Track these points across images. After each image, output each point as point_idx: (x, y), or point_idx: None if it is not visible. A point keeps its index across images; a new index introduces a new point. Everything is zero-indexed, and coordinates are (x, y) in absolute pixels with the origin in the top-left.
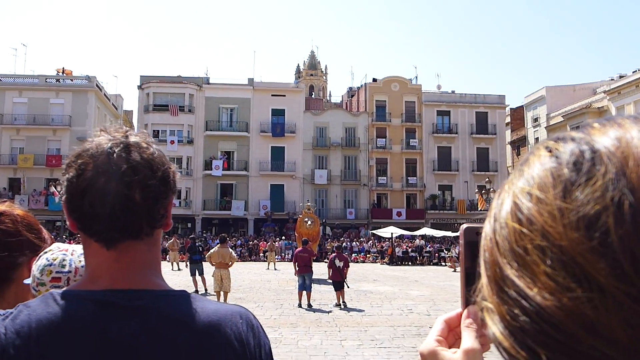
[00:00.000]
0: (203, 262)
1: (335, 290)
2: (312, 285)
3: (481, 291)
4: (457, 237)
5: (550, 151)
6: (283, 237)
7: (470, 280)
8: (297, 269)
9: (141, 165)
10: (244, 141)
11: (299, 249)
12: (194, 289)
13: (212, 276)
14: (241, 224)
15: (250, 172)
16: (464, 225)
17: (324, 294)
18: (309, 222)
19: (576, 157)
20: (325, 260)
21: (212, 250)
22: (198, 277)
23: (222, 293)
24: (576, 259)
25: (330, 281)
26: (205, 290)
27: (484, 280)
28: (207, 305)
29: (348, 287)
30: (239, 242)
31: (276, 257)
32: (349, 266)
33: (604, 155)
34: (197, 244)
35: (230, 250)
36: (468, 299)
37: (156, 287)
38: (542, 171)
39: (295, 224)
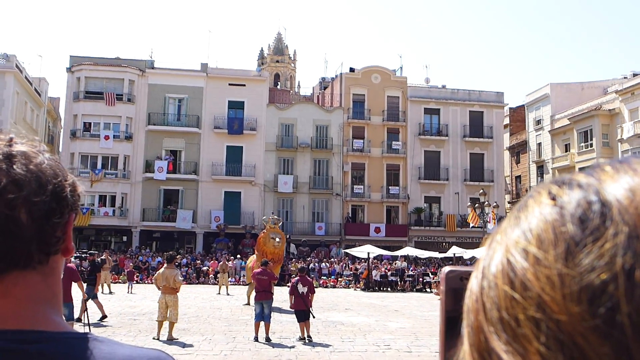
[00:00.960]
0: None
1: (299, 321)
2: (272, 314)
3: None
4: (446, 259)
5: (553, 198)
6: (238, 256)
7: (452, 328)
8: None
9: (26, 178)
10: (194, 139)
11: (257, 270)
12: (101, 315)
13: (157, 302)
14: (188, 239)
15: (200, 177)
16: (446, 269)
17: (285, 326)
18: (277, 240)
19: (583, 210)
20: (288, 284)
21: (158, 272)
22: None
23: (165, 324)
24: (575, 339)
25: (293, 310)
26: (80, 318)
27: (466, 347)
28: (117, 350)
29: (314, 317)
30: (184, 260)
31: (229, 279)
32: (314, 292)
33: (615, 210)
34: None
35: (177, 271)
36: (448, 352)
37: (54, 328)
38: (543, 223)
39: (254, 240)
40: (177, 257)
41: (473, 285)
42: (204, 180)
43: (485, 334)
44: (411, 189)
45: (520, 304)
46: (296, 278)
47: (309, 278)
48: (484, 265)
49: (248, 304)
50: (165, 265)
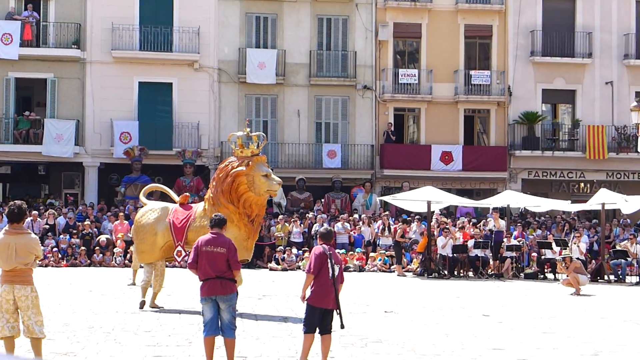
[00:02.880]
0: None
1: (307, 332)
2: (239, 321)
3: None
4: (584, 214)
5: None
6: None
7: None
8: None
9: None
10: None
11: (205, 237)
12: None
13: None
14: (68, 178)
15: (89, 53)
16: None
17: (267, 344)
18: (275, 179)
19: None
20: (269, 264)
21: None
22: None
23: (22, 342)
24: None
25: (305, 305)
26: None
27: None
28: None
29: (343, 326)
30: (61, 220)
31: None
32: (343, 280)
33: None
34: None
35: (33, 236)
36: None
37: None
38: None
39: (201, 178)
40: (47, 211)
41: None
42: (96, 61)
43: None
44: (516, 75)
45: None
46: (324, 246)
47: (337, 253)
48: None
49: (134, 283)
50: (7, 227)
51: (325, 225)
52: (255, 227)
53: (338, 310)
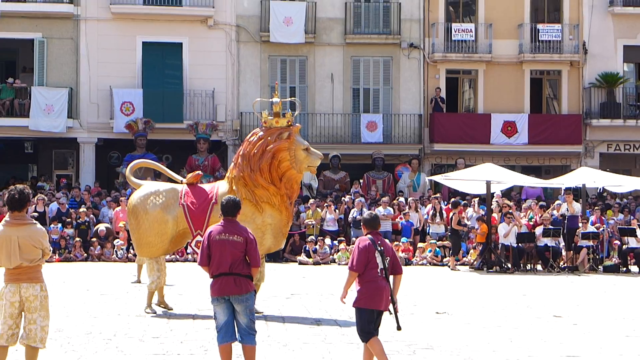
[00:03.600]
0: None
1: (365, 339)
2: (260, 324)
3: None
4: None
5: None
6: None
7: None
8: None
9: None
10: None
11: (216, 226)
12: None
13: None
14: (60, 156)
15: (83, 10)
16: None
17: (297, 352)
18: (316, 154)
19: None
20: (298, 257)
21: None
22: None
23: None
24: None
25: (355, 309)
26: None
27: None
28: None
29: (399, 328)
30: (52, 207)
31: None
32: (401, 272)
33: None
34: None
35: (39, 227)
36: None
37: None
38: None
39: (217, 155)
40: (36, 199)
41: None
42: (92, 18)
43: None
44: (592, 29)
45: None
46: (367, 237)
47: (387, 241)
48: None
49: (139, 281)
50: (7, 216)
51: (365, 210)
52: (292, 210)
53: (394, 308)
